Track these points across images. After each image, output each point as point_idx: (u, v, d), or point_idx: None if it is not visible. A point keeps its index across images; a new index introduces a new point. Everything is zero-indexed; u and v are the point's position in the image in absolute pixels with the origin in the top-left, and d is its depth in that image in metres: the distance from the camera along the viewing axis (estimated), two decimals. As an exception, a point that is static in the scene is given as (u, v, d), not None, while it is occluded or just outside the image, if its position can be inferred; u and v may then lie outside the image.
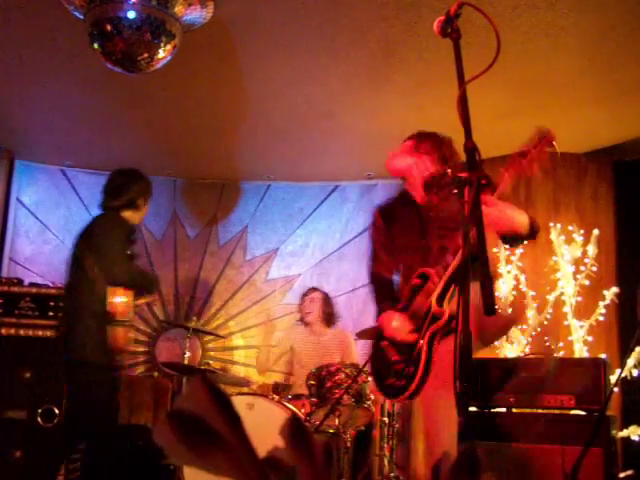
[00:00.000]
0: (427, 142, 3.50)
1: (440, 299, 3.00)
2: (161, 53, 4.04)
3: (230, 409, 0.62)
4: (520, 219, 2.98)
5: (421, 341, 3.00)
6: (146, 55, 4.03)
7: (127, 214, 4.29)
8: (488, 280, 1.94)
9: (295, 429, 0.66)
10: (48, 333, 5.17)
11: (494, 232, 2.97)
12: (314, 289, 6.15)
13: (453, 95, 2.09)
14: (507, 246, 3.26)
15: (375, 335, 3.42)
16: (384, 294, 3.36)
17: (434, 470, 0.73)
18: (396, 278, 3.40)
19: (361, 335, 5.42)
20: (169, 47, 4.04)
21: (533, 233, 3.07)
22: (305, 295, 6.10)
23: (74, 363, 4.19)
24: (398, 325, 3.12)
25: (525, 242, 3.19)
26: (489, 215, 2.64)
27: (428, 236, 3.25)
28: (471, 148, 2.06)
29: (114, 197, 4.32)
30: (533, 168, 2.83)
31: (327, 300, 6.07)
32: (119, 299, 4.08)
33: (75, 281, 4.25)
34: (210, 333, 6.28)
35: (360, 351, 6.00)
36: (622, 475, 4.48)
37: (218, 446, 0.59)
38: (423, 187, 3.38)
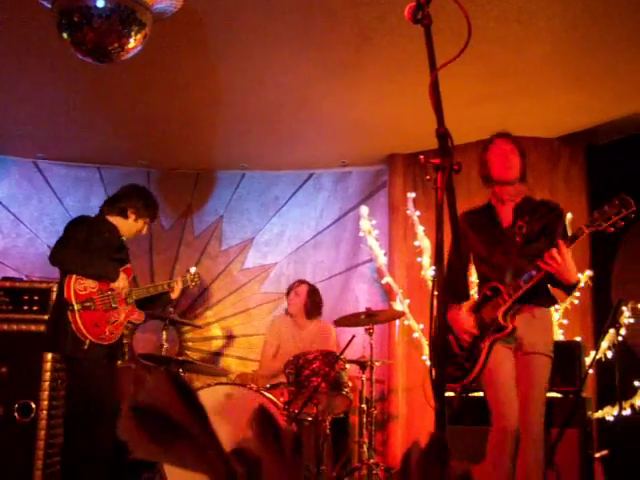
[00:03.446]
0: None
1: (505, 314, 3.61)
2: (132, 42, 3.99)
3: (195, 402, 0.61)
4: (574, 276, 3.54)
5: (482, 344, 3.63)
6: (116, 45, 3.97)
7: (114, 220, 4.77)
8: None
9: (263, 420, 0.65)
10: (23, 327, 5.13)
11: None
12: (300, 282, 6.15)
13: (426, 82, 2.09)
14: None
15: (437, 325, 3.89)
16: (455, 290, 3.71)
17: (404, 458, 0.73)
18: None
19: (339, 322, 5.44)
20: (139, 36, 3.98)
21: (572, 290, 3.74)
22: (291, 288, 6.11)
23: (65, 357, 4.58)
24: (466, 322, 3.69)
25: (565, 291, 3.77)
26: (558, 263, 3.40)
27: (510, 256, 3.69)
28: (443, 134, 2.06)
29: (106, 202, 4.88)
30: (609, 230, 3.35)
31: (312, 292, 6.08)
32: (79, 285, 4.44)
33: None
34: (187, 323, 6.28)
35: (340, 339, 6.01)
36: (597, 455, 4.55)
37: (183, 439, 0.59)
38: (513, 209, 3.81)
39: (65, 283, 4.42)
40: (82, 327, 4.33)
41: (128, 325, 4.95)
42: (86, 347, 4.31)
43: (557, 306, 5.26)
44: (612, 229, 3.33)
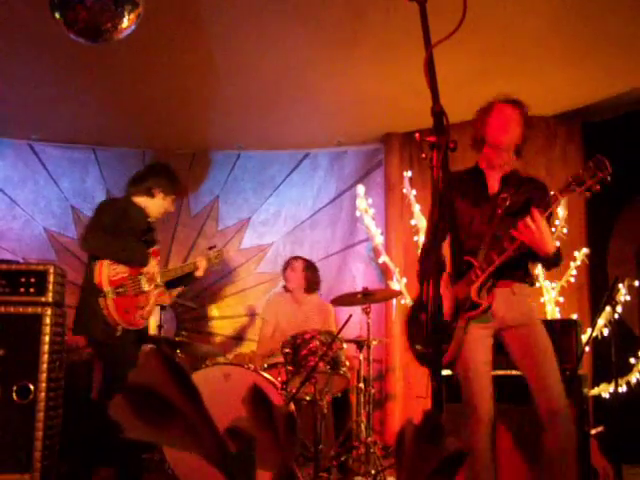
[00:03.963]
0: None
1: (479, 290, 3.36)
2: (125, 22, 3.95)
3: (187, 381, 0.61)
4: (550, 246, 3.30)
5: (457, 324, 3.38)
6: (109, 24, 3.94)
7: (140, 200, 4.75)
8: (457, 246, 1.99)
9: (256, 399, 0.65)
10: (20, 309, 5.12)
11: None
12: (295, 258, 6.17)
13: (421, 60, 2.08)
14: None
15: (414, 302, 3.84)
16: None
17: (398, 436, 0.74)
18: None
19: (336, 302, 5.45)
20: (133, 16, 3.95)
21: (551, 263, 3.46)
22: (287, 264, 6.13)
23: (89, 341, 4.67)
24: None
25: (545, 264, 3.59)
26: (532, 232, 3.19)
27: (489, 225, 3.47)
28: (439, 112, 2.05)
29: (131, 183, 4.82)
30: (585, 195, 3.15)
31: (309, 267, 6.12)
32: (112, 270, 4.42)
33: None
34: (182, 305, 6.28)
35: (337, 318, 6.03)
36: (593, 431, 4.57)
37: (176, 419, 0.59)
38: (500, 178, 3.61)
39: (96, 268, 4.38)
40: (114, 313, 4.33)
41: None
42: (119, 334, 4.34)
43: (537, 284, 5.23)
44: (589, 193, 3.12)
